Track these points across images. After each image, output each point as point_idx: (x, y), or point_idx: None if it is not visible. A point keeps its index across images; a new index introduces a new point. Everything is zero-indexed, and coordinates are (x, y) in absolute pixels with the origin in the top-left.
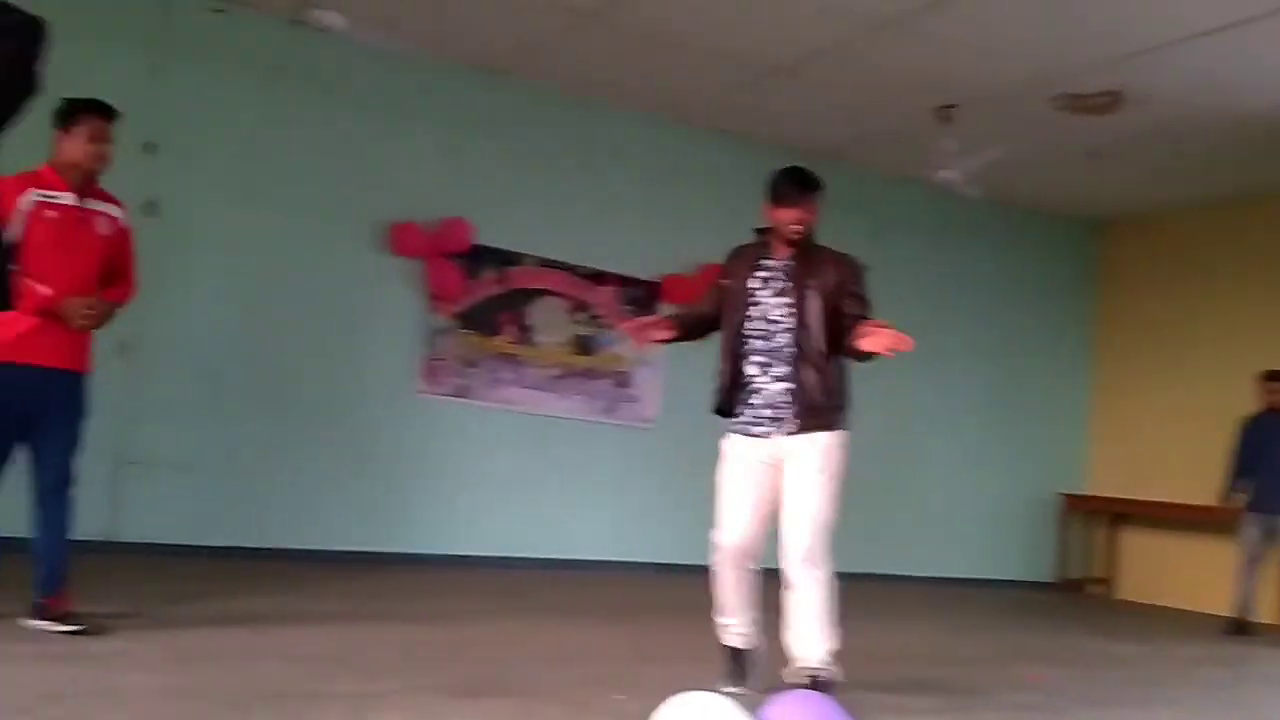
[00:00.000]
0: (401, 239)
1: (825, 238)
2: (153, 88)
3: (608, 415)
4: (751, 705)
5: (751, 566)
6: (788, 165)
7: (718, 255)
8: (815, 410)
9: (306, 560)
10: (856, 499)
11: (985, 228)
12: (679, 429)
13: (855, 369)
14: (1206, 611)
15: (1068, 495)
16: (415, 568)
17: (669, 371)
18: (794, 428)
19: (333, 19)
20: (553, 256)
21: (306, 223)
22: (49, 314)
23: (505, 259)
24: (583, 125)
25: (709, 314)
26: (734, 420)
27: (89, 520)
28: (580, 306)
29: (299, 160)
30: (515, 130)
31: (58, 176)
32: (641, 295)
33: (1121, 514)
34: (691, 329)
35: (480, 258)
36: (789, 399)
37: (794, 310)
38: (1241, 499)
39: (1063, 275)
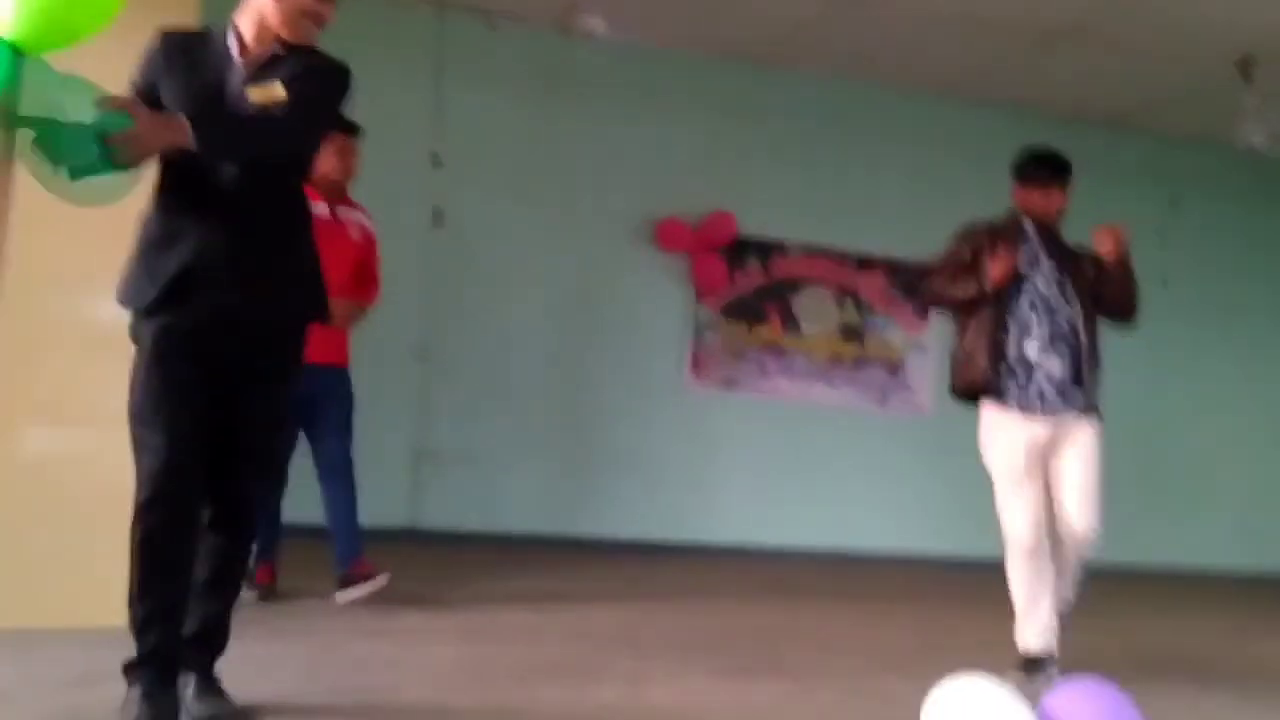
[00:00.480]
0: (667, 235)
1: (1118, 208)
2: (434, 103)
3: (880, 405)
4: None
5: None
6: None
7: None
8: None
9: (585, 547)
10: (1157, 485)
11: None
12: (955, 417)
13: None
14: None
15: None
16: (688, 556)
17: (943, 358)
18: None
19: (596, 24)
20: (817, 243)
21: (578, 223)
22: None
23: (769, 249)
24: (844, 108)
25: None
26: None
27: (390, 509)
28: (847, 293)
29: (569, 163)
30: (776, 119)
31: (312, 189)
32: (912, 280)
33: None
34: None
35: (744, 249)
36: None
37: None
38: None
39: None
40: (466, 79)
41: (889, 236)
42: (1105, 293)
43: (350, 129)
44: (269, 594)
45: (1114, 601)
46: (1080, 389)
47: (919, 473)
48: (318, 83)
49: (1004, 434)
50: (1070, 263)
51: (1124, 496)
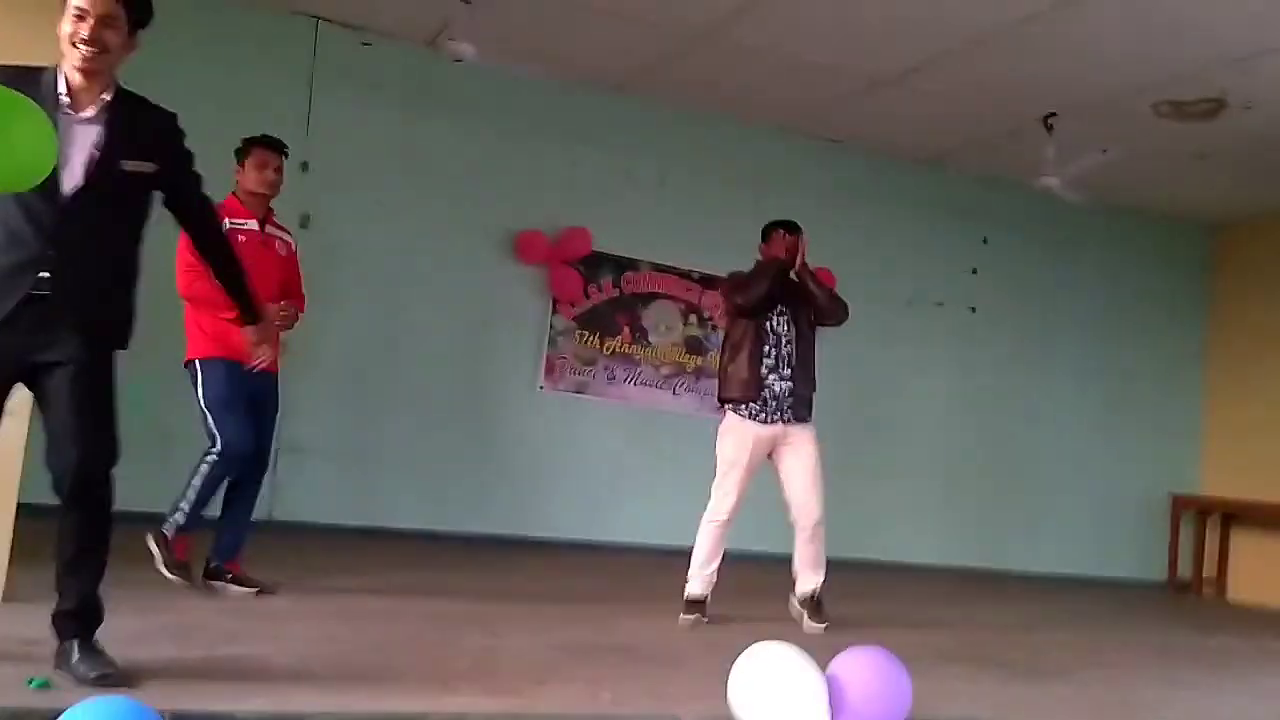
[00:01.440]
0: (526, 247)
1: (932, 242)
2: (306, 113)
3: (717, 412)
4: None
5: None
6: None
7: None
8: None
9: (439, 540)
10: (971, 497)
11: (1095, 231)
12: None
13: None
14: None
15: (1179, 495)
16: (539, 550)
17: None
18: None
19: (465, 49)
20: (666, 262)
21: (441, 233)
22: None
23: (622, 264)
24: (694, 138)
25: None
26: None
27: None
28: (692, 309)
29: (434, 176)
30: (631, 144)
31: (241, 206)
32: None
33: (1233, 514)
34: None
35: (599, 263)
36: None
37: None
38: None
39: (1174, 277)
40: (338, 90)
41: (730, 258)
42: (815, 306)
43: (271, 144)
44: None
45: (924, 600)
46: (799, 398)
47: (755, 476)
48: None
49: (734, 434)
50: (794, 295)
51: (939, 504)
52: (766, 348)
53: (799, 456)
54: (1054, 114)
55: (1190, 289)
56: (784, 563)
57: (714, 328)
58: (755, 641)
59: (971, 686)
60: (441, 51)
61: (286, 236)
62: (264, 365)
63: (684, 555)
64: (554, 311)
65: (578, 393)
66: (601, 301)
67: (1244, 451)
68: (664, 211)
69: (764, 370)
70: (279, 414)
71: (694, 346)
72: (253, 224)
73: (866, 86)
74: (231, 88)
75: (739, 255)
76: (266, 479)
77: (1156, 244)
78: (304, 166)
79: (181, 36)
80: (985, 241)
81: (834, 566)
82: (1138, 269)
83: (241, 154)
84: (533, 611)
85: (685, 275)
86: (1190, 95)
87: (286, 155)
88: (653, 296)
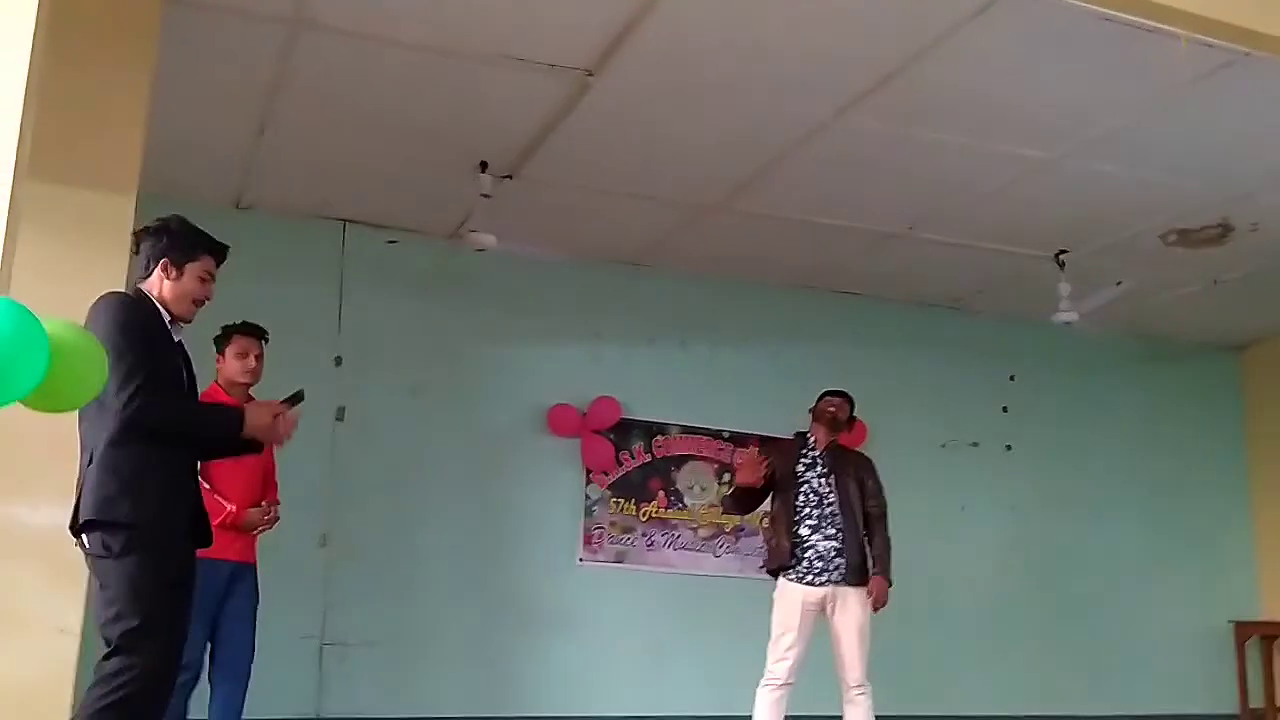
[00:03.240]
0: (558, 420)
1: (961, 384)
2: (338, 310)
3: (761, 571)
4: None
5: None
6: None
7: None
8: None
9: None
10: (1024, 640)
11: (1123, 360)
12: None
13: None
14: None
15: (1240, 623)
16: None
17: None
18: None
19: (486, 239)
20: (695, 424)
21: (473, 413)
22: (233, 525)
23: (652, 430)
24: (712, 303)
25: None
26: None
27: (295, 700)
28: (725, 468)
29: (464, 361)
30: (652, 313)
31: (225, 394)
32: None
33: None
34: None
35: (629, 430)
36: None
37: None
38: None
39: (1207, 399)
40: (366, 286)
41: (758, 415)
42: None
43: (249, 331)
44: None
45: None
46: (846, 561)
47: (811, 638)
48: None
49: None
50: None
51: (991, 651)
52: (807, 510)
53: (847, 617)
54: (1064, 251)
55: (1225, 410)
56: None
57: None
58: None
59: None
60: (464, 243)
61: None
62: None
63: None
64: (588, 482)
65: (617, 562)
66: (634, 468)
67: None
68: (688, 375)
69: (805, 531)
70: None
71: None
72: None
73: (875, 241)
74: (264, 291)
75: (764, 410)
76: (311, 675)
77: (1185, 368)
78: (337, 361)
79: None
80: (1012, 379)
81: None
82: (1170, 394)
83: (221, 342)
84: None
85: (716, 435)
86: (1195, 223)
87: (267, 341)
88: (685, 459)
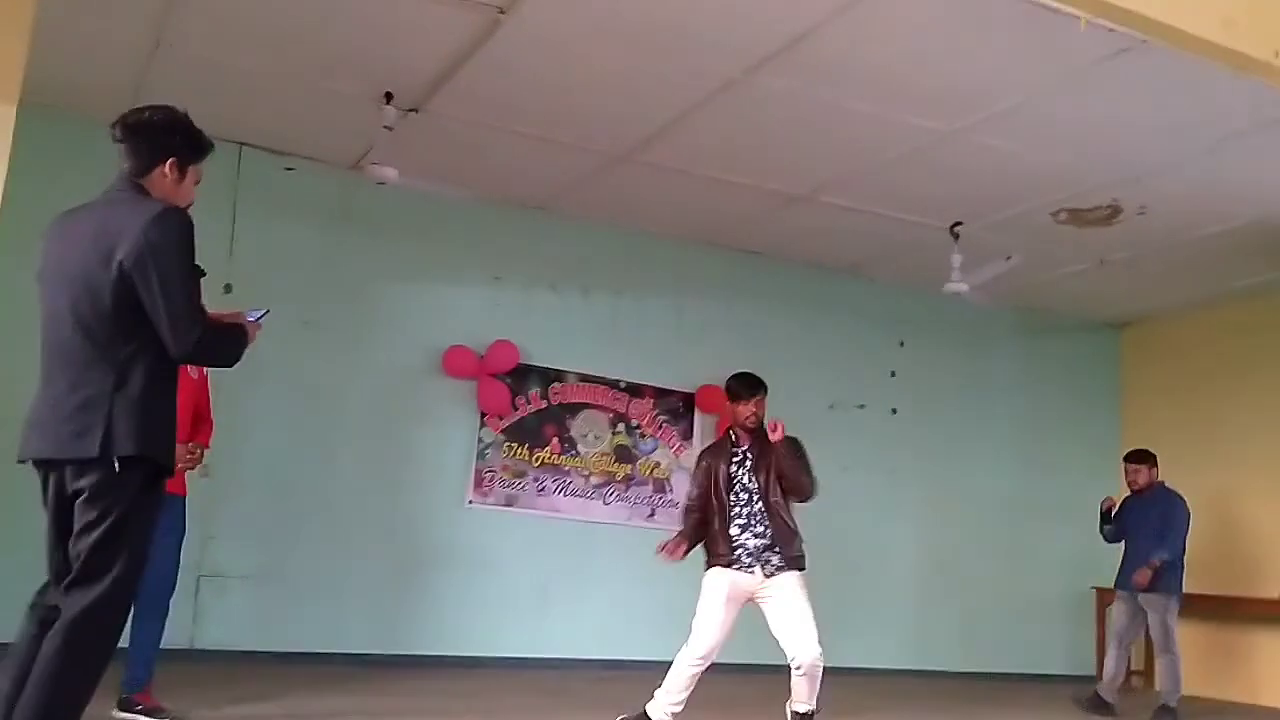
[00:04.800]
0: (454, 362)
1: (852, 349)
2: (230, 236)
3: (649, 520)
4: None
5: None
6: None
7: (745, 366)
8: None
9: (369, 662)
10: (900, 602)
11: (1008, 332)
12: None
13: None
14: (1245, 701)
15: (1101, 589)
16: (470, 669)
17: None
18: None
19: (387, 173)
20: (592, 372)
21: (367, 351)
22: None
23: (549, 376)
24: (616, 253)
25: (698, 509)
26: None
27: (170, 630)
28: (620, 418)
29: (360, 295)
30: (555, 261)
31: None
32: (678, 406)
33: None
34: (696, 532)
35: (526, 375)
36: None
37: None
38: None
39: (1087, 374)
40: (260, 213)
41: (656, 367)
42: (783, 477)
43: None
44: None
45: (868, 705)
46: (776, 552)
47: (684, 582)
48: None
49: (711, 579)
50: (763, 459)
51: (873, 605)
52: (735, 510)
53: (784, 597)
54: (959, 223)
55: (1102, 386)
56: (767, 671)
57: (643, 436)
58: None
59: None
60: (365, 175)
61: None
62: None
63: (617, 666)
64: (482, 425)
65: (507, 505)
66: (530, 413)
67: None
68: (588, 323)
69: (734, 530)
70: (185, 538)
71: (623, 455)
72: None
73: (780, 203)
74: None
75: (662, 363)
76: (187, 606)
77: (1067, 343)
78: (227, 288)
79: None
80: (902, 345)
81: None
82: (1051, 367)
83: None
84: None
85: (612, 385)
86: (1087, 204)
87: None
88: (581, 407)
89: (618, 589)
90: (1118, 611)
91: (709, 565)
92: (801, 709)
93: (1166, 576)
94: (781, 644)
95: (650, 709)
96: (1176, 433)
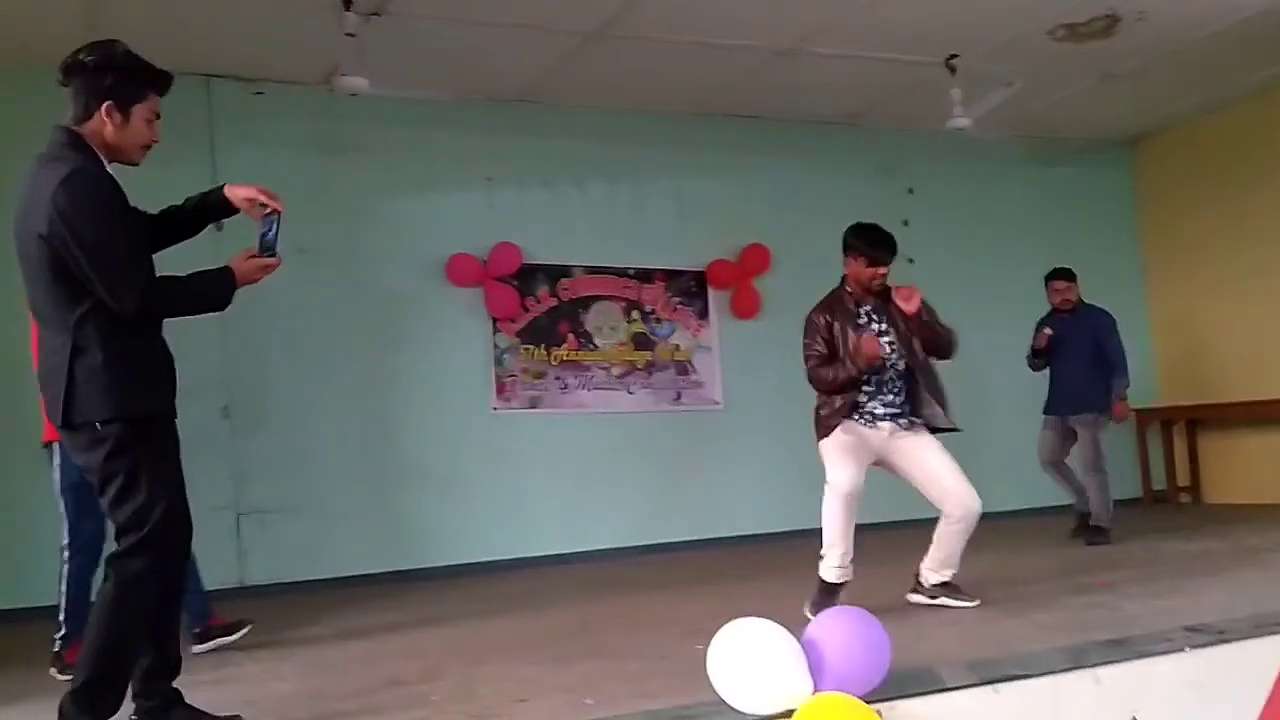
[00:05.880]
0: (457, 270)
1: (860, 202)
2: (211, 170)
3: (675, 404)
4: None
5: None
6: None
7: (754, 236)
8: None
9: (411, 577)
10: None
11: (1018, 164)
12: (745, 405)
13: None
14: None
15: (1139, 410)
16: (510, 571)
17: (725, 354)
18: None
19: (357, 83)
20: (599, 263)
21: (369, 271)
22: None
23: (555, 273)
24: (608, 135)
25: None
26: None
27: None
28: (633, 306)
29: (353, 215)
30: (546, 152)
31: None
32: (690, 285)
33: (1195, 419)
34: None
35: (532, 275)
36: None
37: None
38: None
39: (1103, 196)
40: (237, 142)
41: (662, 250)
42: (922, 340)
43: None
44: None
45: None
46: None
47: (720, 459)
48: None
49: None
50: (891, 317)
51: None
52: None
53: (921, 449)
54: (955, 55)
55: (1119, 206)
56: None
57: (659, 321)
58: None
59: (953, 628)
60: (336, 90)
61: None
62: None
63: (656, 551)
64: (495, 331)
65: (532, 408)
66: (541, 313)
67: (1195, 358)
68: (589, 215)
69: (863, 396)
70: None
71: (641, 343)
72: None
73: (767, 59)
74: None
75: (668, 245)
76: (231, 545)
77: (1079, 166)
78: (218, 226)
79: None
80: (911, 192)
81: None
82: (1064, 193)
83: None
84: (510, 632)
85: (621, 273)
86: (1082, 16)
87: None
88: (592, 300)
89: (651, 476)
90: (1047, 437)
91: (829, 426)
92: (941, 577)
93: (1098, 395)
94: (929, 494)
95: (822, 571)
96: (1199, 239)
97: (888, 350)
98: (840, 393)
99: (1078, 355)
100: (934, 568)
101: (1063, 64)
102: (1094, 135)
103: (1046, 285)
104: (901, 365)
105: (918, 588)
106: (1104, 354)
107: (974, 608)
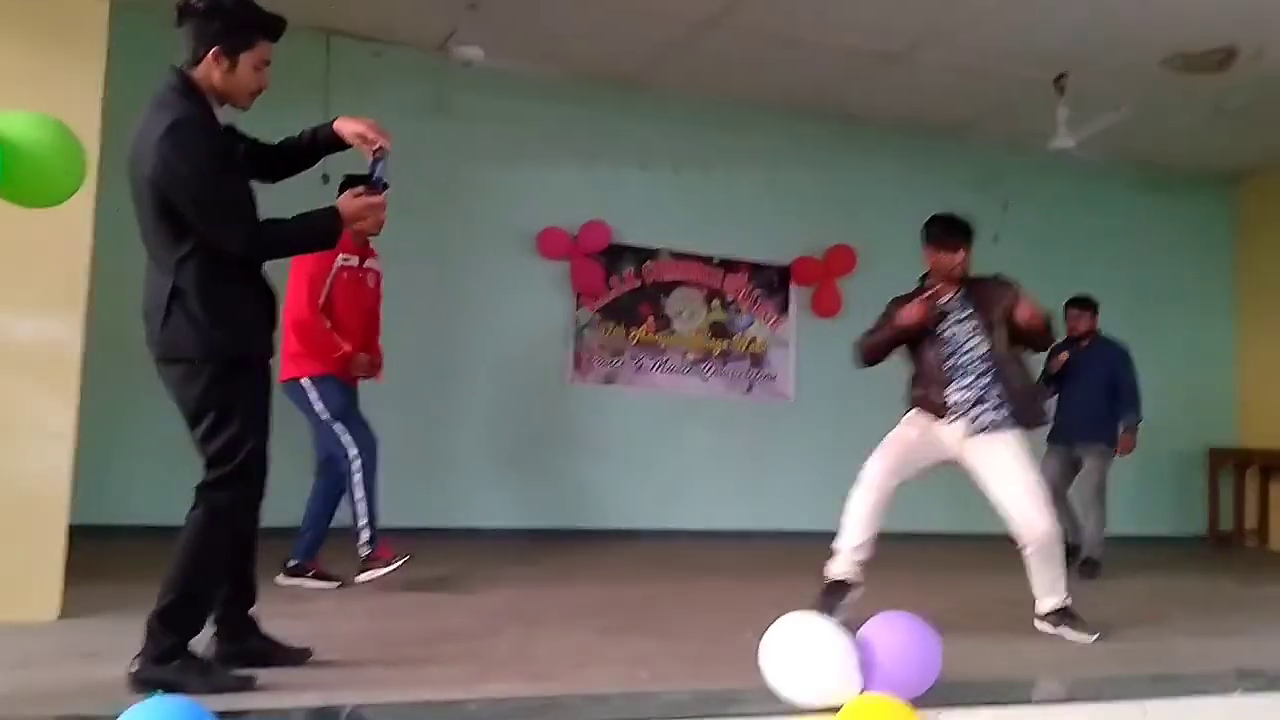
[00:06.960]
0: (548, 243)
1: (949, 211)
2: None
3: (747, 394)
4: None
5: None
6: (943, 214)
7: (842, 236)
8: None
9: (480, 536)
10: None
11: (1115, 190)
12: (816, 402)
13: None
14: None
15: (1216, 449)
16: (576, 541)
17: (801, 350)
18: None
19: (472, 52)
20: (686, 249)
21: (463, 236)
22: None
23: (642, 254)
24: (706, 125)
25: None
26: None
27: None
28: (715, 294)
29: (452, 181)
30: (644, 136)
31: (349, 240)
32: (773, 279)
33: (1272, 465)
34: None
35: (620, 255)
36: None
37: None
38: None
39: (1199, 230)
40: (353, 101)
41: (750, 242)
42: (1024, 339)
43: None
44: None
45: (955, 567)
46: (984, 409)
47: (785, 453)
48: None
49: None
50: (979, 306)
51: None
52: (946, 358)
53: (993, 458)
54: (1064, 75)
55: (1216, 241)
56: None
57: (738, 311)
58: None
59: (1002, 646)
60: (450, 57)
61: (378, 266)
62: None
63: (720, 537)
64: (578, 306)
65: (607, 383)
66: (624, 293)
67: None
68: (680, 200)
69: (945, 388)
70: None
71: (719, 331)
72: (354, 260)
73: (874, 63)
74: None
75: (755, 237)
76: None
77: (1178, 198)
78: (324, 179)
79: None
80: (1005, 208)
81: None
82: (1161, 224)
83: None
84: (572, 599)
85: (706, 261)
86: (1200, 47)
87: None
88: (675, 284)
89: (717, 461)
90: (1050, 466)
91: (904, 414)
92: (1051, 604)
93: (1110, 428)
94: (1006, 518)
95: (832, 567)
96: None
97: (935, 314)
98: (873, 351)
99: (1091, 387)
100: (1039, 595)
101: (1173, 94)
102: (1196, 168)
103: (1064, 312)
104: (982, 351)
105: (1039, 615)
106: (1118, 388)
107: (1091, 642)
